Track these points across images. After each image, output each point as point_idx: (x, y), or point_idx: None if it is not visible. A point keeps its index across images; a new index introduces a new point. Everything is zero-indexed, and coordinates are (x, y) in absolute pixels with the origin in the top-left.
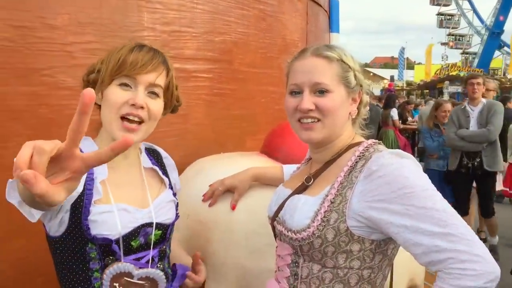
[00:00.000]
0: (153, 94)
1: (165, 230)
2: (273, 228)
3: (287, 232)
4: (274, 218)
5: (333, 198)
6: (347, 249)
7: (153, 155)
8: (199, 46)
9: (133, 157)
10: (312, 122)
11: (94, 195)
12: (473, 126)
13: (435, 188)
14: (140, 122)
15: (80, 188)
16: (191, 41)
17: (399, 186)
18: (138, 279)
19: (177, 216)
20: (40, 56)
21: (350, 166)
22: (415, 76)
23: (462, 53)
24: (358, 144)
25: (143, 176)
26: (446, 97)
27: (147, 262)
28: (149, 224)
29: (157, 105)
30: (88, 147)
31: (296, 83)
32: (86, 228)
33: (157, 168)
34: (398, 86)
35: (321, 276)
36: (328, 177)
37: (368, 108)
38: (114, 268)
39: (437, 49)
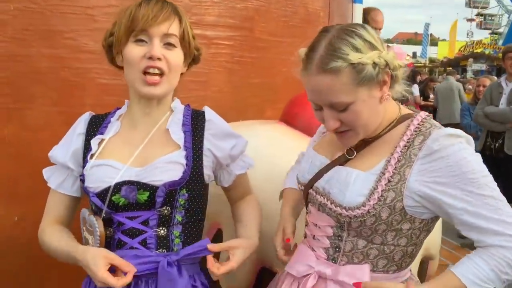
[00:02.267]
0: (170, 45)
1: (153, 191)
2: (306, 194)
3: (334, 206)
4: (309, 186)
5: (391, 177)
6: (398, 227)
7: (194, 117)
8: (221, 13)
9: (156, 116)
10: (343, 132)
11: (91, 151)
12: (503, 103)
13: (489, 173)
14: (161, 74)
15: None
16: (212, 8)
17: (461, 171)
18: (89, 226)
19: (181, 179)
20: (63, 19)
21: (407, 142)
22: (439, 52)
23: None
24: (409, 116)
25: (149, 135)
26: (469, 75)
27: (142, 223)
28: (132, 183)
29: (175, 55)
30: (120, 112)
31: (311, 100)
32: (82, 181)
33: (172, 129)
34: (420, 63)
35: (366, 252)
36: (377, 151)
37: (404, 67)
38: (81, 211)
39: (463, 25)
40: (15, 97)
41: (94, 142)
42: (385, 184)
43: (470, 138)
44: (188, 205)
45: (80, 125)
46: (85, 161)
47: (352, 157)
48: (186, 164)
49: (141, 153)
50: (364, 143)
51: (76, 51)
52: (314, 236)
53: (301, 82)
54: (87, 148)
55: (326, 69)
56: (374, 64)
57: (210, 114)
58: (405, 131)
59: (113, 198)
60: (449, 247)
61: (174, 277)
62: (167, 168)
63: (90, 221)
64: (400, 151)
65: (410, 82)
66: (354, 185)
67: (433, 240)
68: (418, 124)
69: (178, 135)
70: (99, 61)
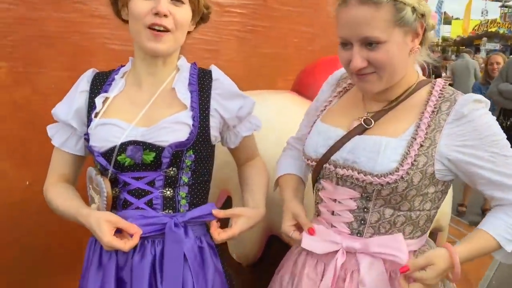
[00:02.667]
0: (177, 1)
1: (159, 152)
2: (318, 171)
3: (363, 175)
4: (324, 160)
5: (423, 141)
6: (425, 192)
7: (200, 76)
8: None
9: (161, 75)
10: (367, 74)
11: (96, 109)
12: None
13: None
14: (167, 31)
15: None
16: None
17: (486, 134)
18: (96, 185)
19: (188, 140)
20: None
21: (434, 108)
22: (452, 31)
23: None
24: (426, 82)
25: (155, 95)
26: (483, 54)
27: (148, 184)
28: (138, 143)
29: (182, 12)
30: (124, 69)
31: (342, 37)
32: (86, 140)
33: (178, 89)
34: (432, 42)
35: (393, 220)
36: (401, 117)
37: (433, 31)
38: (87, 170)
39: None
40: (25, 61)
41: (98, 100)
42: (418, 149)
43: (489, 103)
44: (195, 167)
45: (83, 82)
46: (89, 119)
47: (370, 126)
48: (193, 125)
49: (146, 113)
50: (383, 111)
51: (86, 16)
52: (333, 212)
53: (313, 54)
54: (91, 106)
55: (367, 1)
56: (413, 9)
57: (217, 73)
58: (429, 97)
59: (118, 158)
60: (457, 225)
61: (181, 238)
62: (173, 128)
63: (97, 181)
64: (429, 117)
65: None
66: (385, 151)
67: (444, 212)
68: (441, 90)
69: (185, 95)
70: (109, 27)
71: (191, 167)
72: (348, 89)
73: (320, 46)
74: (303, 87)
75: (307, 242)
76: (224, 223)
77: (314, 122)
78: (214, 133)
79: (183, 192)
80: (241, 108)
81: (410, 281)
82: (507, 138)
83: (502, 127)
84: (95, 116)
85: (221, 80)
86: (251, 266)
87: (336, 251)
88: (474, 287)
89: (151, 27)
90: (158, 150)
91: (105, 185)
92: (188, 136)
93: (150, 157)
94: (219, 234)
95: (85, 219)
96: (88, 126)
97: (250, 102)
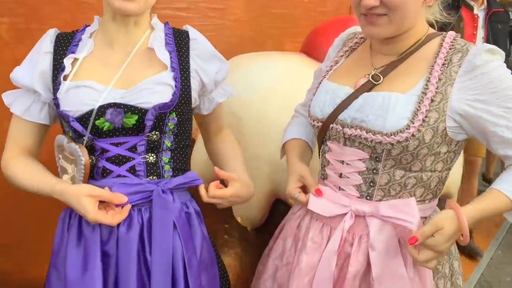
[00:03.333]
0: None
1: (142, 115)
2: (324, 131)
3: (372, 134)
4: (331, 120)
5: (434, 96)
6: (437, 151)
7: (176, 36)
8: None
9: (134, 35)
10: (377, 16)
11: (64, 71)
12: None
13: None
14: None
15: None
16: None
17: (500, 87)
18: (68, 154)
19: (171, 102)
20: None
21: (445, 60)
22: None
23: None
24: (436, 35)
25: (130, 55)
26: None
27: (129, 149)
28: (118, 105)
29: None
30: (90, 29)
31: None
32: (56, 105)
33: (156, 48)
34: None
35: (404, 182)
36: (410, 71)
37: None
38: (56, 139)
39: None
40: (27, 17)
41: (67, 61)
42: (429, 104)
43: (504, 54)
44: (177, 130)
45: (46, 43)
46: (56, 83)
47: (379, 82)
48: (175, 86)
49: (123, 75)
50: (392, 65)
51: None
52: (341, 174)
53: (323, 16)
54: (56, 68)
55: None
56: None
57: (194, 33)
58: (439, 49)
59: (96, 122)
60: None
61: (170, 205)
62: (155, 89)
63: (70, 149)
64: (440, 69)
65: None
66: (394, 108)
67: (453, 178)
68: (451, 42)
69: (164, 55)
70: None
71: (173, 131)
72: (355, 48)
73: (332, 8)
74: (312, 48)
75: (314, 204)
76: (209, 208)
77: (320, 83)
78: (194, 95)
79: (166, 157)
80: (218, 72)
81: (420, 248)
82: None
83: None
84: (65, 79)
85: (199, 41)
86: (255, 230)
87: (344, 214)
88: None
89: None
90: (141, 112)
91: (81, 152)
92: (172, 98)
93: (132, 120)
94: (214, 192)
95: (62, 196)
96: (54, 90)
97: (226, 66)
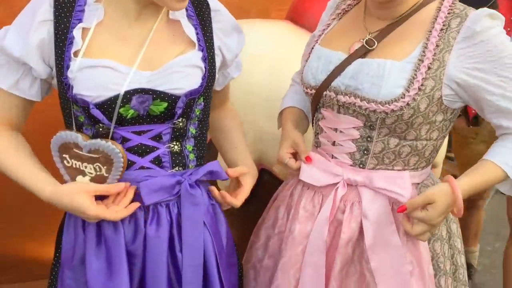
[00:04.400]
0: None
1: (172, 102)
2: (318, 99)
3: (366, 103)
4: (325, 87)
5: (431, 63)
6: (433, 119)
7: (195, 5)
8: None
9: (155, 7)
10: None
11: (73, 45)
12: None
13: None
14: None
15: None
16: None
17: (499, 55)
18: (88, 152)
19: (201, 87)
20: None
21: (443, 25)
22: None
23: None
24: None
25: (152, 28)
26: None
27: (152, 138)
28: (146, 91)
29: None
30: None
31: None
32: (66, 85)
33: (183, 21)
34: None
35: (398, 151)
36: (407, 36)
37: None
38: (57, 137)
39: None
40: None
41: (76, 33)
42: (425, 72)
43: (503, 18)
44: (202, 115)
45: (44, 7)
46: (63, 58)
47: (374, 47)
48: (205, 68)
49: (136, 52)
50: (387, 30)
51: None
52: (334, 142)
53: None
54: (62, 40)
55: None
56: None
57: (214, 2)
58: (437, 14)
59: (120, 110)
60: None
61: (199, 200)
62: (186, 73)
63: (97, 146)
64: (438, 35)
65: None
66: (389, 76)
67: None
68: (450, 6)
69: (190, 29)
70: None
71: (199, 117)
72: (348, 10)
73: None
74: (298, 15)
75: (306, 174)
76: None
77: (312, 48)
78: (217, 75)
79: (190, 145)
80: (237, 45)
81: (413, 222)
82: None
83: None
84: (75, 55)
85: (221, 12)
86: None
87: (336, 183)
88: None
89: None
90: (171, 99)
91: (118, 149)
92: (201, 82)
93: (160, 108)
94: (236, 198)
95: (54, 199)
96: (60, 67)
97: (243, 37)
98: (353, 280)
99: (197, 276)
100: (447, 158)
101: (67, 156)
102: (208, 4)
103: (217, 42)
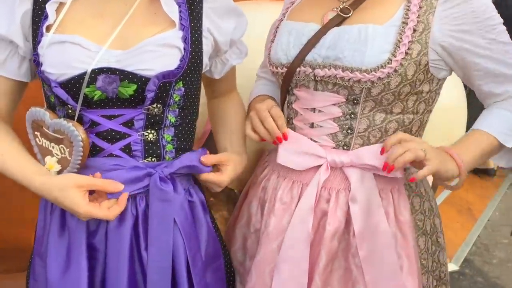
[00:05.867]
0: None
1: (142, 84)
2: (291, 76)
3: (350, 72)
4: (298, 63)
5: (416, 26)
6: (420, 89)
7: None
8: None
9: None
10: None
11: (47, 20)
12: None
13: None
14: None
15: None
16: None
17: (483, 17)
18: (54, 132)
19: (178, 69)
20: None
21: None
22: None
23: None
24: None
25: (131, 7)
26: None
27: (124, 124)
28: (112, 71)
29: None
30: None
31: None
32: (36, 62)
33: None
34: None
35: (385, 127)
36: (384, 0)
37: None
38: (28, 113)
39: None
40: None
41: (50, 7)
42: (411, 35)
43: None
44: (183, 103)
45: None
46: (37, 33)
47: (349, 15)
48: (184, 49)
49: (120, 31)
50: None
51: None
52: (312, 124)
53: None
54: (38, 15)
55: None
56: None
57: None
58: None
59: (85, 90)
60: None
61: (169, 196)
62: (160, 52)
63: (58, 126)
64: None
65: None
66: (373, 41)
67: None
68: None
69: (172, 7)
70: None
71: (179, 104)
72: None
73: None
74: None
75: (284, 157)
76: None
77: (277, 27)
78: (205, 59)
79: (168, 135)
80: (235, 29)
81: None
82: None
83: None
84: (47, 30)
85: None
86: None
87: (318, 167)
88: (476, 218)
89: None
90: (140, 81)
91: (77, 130)
92: (179, 64)
93: (129, 90)
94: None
95: (45, 191)
96: (34, 43)
97: (244, 21)
98: (337, 275)
99: (164, 279)
100: None
101: (38, 134)
102: None
103: (206, 23)
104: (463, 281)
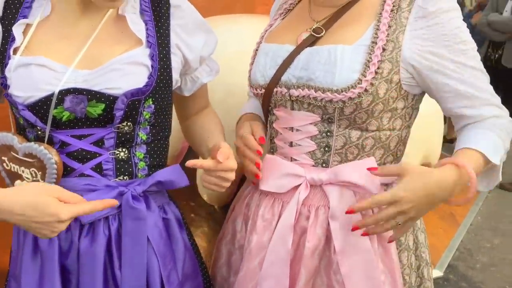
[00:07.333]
0: None
1: (110, 103)
2: (269, 96)
3: (322, 93)
4: (275, 83)
5: (385, 45)
6: (394, 106)
7: (154, 1)
8: None
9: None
10: None
11: (15, 42)
12: (508, 11)
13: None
14: None
15: None
16: None
17: (456, 40)
18: (24, 156)
19: (147, 87)
20: None
21: (393, 5)
22: None
23: None
24: None
25: (97, 26)
26: None
27: (94, 143)
28: (80, 91)
29: None
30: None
31: None
32: (3, 85)
33: (129, 17)
34: None
35: (361, 144)
36: (356, 20)
37: None
38: None
39: None
40: None
41: (17, 29)
42: (381, 54)
43: None
44: (154, 120)
45: None
46: (5, 56)
47: (321, 35)
48: (152, 66)
49: (87, 51)
50: (335, 16)
51: None
52: (291, 143)
53: None
54: (5, 37)
55: None
56: None
57: None
58: None
59: (53, 112)
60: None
61: (142, 215)
62: (127, 71)
63: (30, 150)
64: (389, 16)
65: None
66: (342, 61)
67: (434, 147)
68: None
69: (139, 25)
70: None
71: (150, 121)
72: (290, 9)
73: None
74: None
75: (265, 182)
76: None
77: (257, 49)
78: (175, 75)
79: (140, 152)
80: (205, 46)
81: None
82: (494, 72)
83: (490, 60)
84: (15, 52)
85: (182, 8)
86: (223, 208)
87: (298, 186)
88: (459, 224)
89: None
90: (108, 100)
91: (50, 152)
92: (147, 81)
93: (97, 110)
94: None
95: (11, 208)
96: (2, 65)
97: (213, 38)
98: None
99: None
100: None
101: (6, 158)
102: (167, 0)
103: (174, 40)
104: (447, 287)
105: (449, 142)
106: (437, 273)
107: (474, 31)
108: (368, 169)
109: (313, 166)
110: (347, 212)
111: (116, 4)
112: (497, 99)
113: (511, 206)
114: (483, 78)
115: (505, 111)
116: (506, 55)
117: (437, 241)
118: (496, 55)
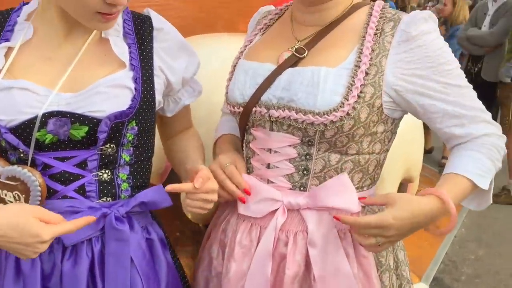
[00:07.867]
0: None
1: (93, 126)
2: (247, 116)
3: (303, 115)
4: (254, 103)
5: (368, 69)
6: (374, 130)
7: (136, 23)
8: None
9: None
10: None
11: None
12: (486, 25)
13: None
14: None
15: None
16: None
17: (439, 61)
18: (6, 179)
19: (130, 109)
20: None
21: (376, 29)
22: None
23: None
24: (363, 4)
25: (82, 48)
26: None
27: (77, 165)
28: (63, 114)
29: None
30: (28, 9)
31: None
32: None
33: (112, 40)
34: None
35: (341, 167)
36: (339, 42)
37: None
38: None
39: None
40: None
41: None
42: (363, 78)
43: (437, 20)
44: (138, 141)
45: None
46: None
47: (304, 55)
48: (135, 89)
49: (70, 74)
50: (318, 36)
51: None
52: (268, 165)
53: None
54: None
55: None
56: None
57: (159, 20)
58: (369, 19)
59: (36, 134)
60: (429, 174)
61: (126, 236)
62: (111, 93)
63: (14, 173)
64: (372, 40)
65: None
66: (325, 83)
67: (415, 161)
68: (381, 10)
69: (122, 48)
70: None
71: (133, 143)
72: (270, 24)
73: None
74: None
75: (243, 207)
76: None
77: (235, 66)
78: (158, 97)
79: (123, 173)
80: (187, 68)
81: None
82: (474, 86)
83: (470, 74)
84: None
85: (165, 30)
86: (208, 226)
87: (275, 211)
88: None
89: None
90: (92, 123)
91: (35, 176)
92: (131, 104)
93: (81, 132)
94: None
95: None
96: None
97: (195, 60)
98: None
99: None
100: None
101: None
102: (151, 22)
103: (157, 62)
104: None
105: (427, 152)
106: (422, 286)
107: None
108: (360, 198)
109: (291, 189)
110: (334, 218)
111: (109, 25)
112: (487, 115)
113: (495, 218)
114: (470, 96)
115: (496, 126)
116: (486, 68)
117: (423, 254)
118: (476, 69)
